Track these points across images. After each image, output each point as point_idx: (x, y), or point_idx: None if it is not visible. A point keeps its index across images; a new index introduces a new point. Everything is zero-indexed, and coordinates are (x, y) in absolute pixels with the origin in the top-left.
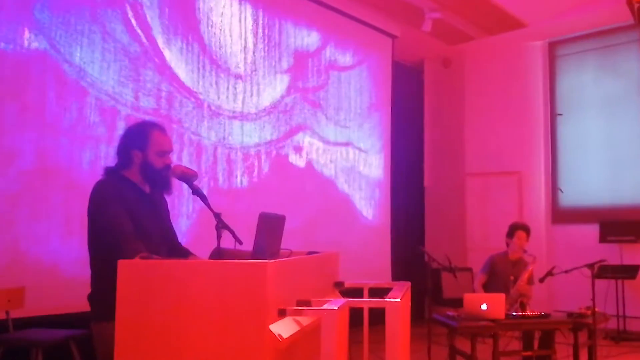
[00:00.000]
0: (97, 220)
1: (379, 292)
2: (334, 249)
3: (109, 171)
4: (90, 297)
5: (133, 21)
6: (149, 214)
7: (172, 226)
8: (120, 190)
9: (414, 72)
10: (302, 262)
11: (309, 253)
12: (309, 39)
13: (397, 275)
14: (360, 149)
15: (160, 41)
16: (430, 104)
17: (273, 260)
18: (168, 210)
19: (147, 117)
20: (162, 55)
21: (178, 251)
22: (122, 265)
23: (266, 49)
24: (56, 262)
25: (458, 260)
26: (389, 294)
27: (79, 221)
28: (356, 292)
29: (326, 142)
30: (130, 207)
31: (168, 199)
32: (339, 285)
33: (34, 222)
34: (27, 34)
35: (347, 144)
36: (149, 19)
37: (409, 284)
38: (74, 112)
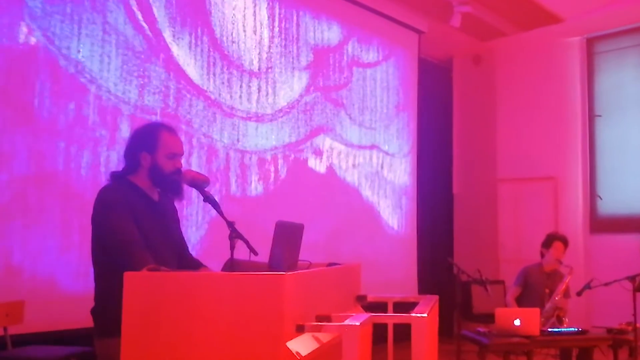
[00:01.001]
0: (101, 228)
1: (405, 306)
2: (356, 261)
3: (114, 176)
4: (94, 312)
5: (137, 13)
6: (157, 223)
7: (182, 236)
8: (126, 196)
9: (442, 70)
10: (321, 274)
11: (329, 265)
12: (330, 33)
13: (423, 289)
14: (386, 153)
15: (166, 35)
16: (460, 104)
17: (290, 273)
18: (178, 219)
19: (153, 118)
20: (169, 50)
21: (188, 263)
22: (129, 277)
23: (283, 43)
24: (54, 275)
25: (489, 272)
26: (415, 309)
27: (78, 231)
28: (380, 307)
29: (349, 145)
30: (136, 215)
31: (177, 206)
32: (361, 299)
33: (29, 232)
34: (18, 25)
35: (372, 147)
36: (154, 10)
37: (436, 297)
38: (72, 111)
